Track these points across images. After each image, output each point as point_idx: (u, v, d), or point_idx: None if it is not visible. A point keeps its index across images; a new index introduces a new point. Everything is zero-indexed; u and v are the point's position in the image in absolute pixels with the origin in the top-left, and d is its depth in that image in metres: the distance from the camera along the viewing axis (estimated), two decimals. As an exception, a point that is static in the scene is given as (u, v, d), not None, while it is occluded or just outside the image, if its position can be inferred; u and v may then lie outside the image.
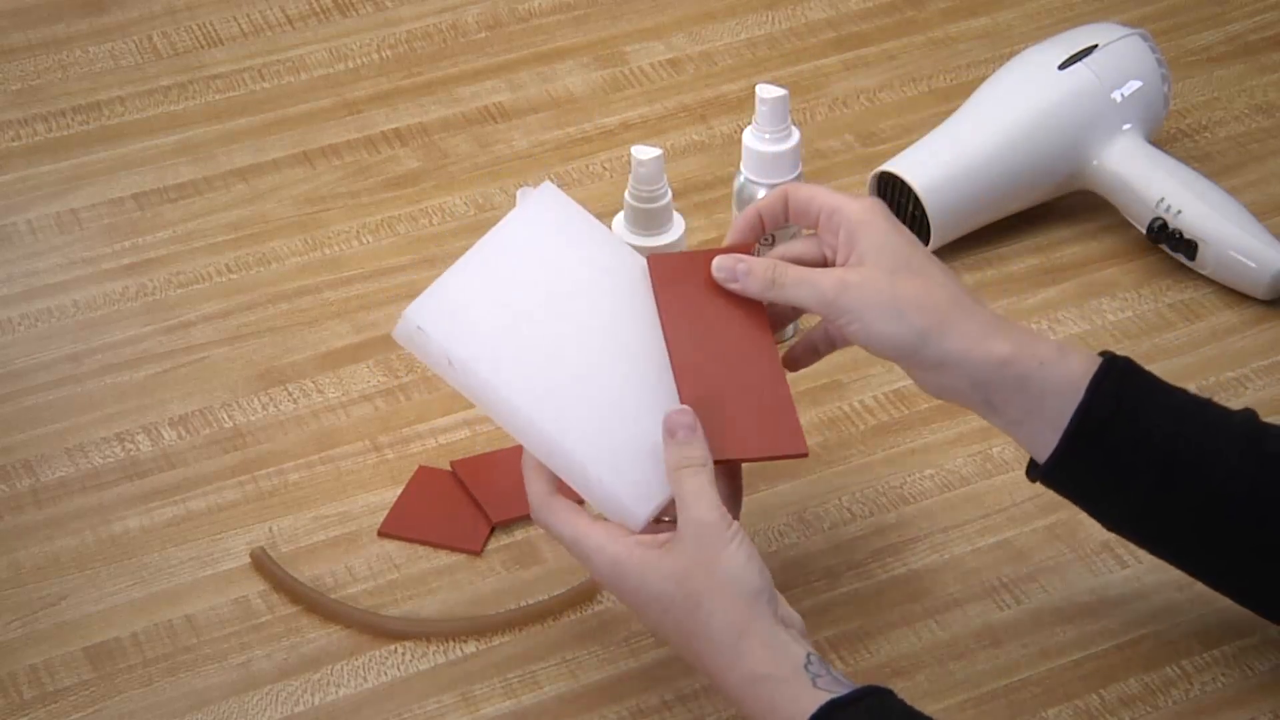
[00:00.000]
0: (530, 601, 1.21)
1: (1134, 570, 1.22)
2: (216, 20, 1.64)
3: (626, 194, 1.31)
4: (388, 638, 1.19)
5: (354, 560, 1.24)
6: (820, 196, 1.14)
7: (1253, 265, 1.39)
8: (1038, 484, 1.13)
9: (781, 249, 1.16)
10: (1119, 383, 1.10)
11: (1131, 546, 1.18)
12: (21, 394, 1.34)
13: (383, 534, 1.25)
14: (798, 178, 1.33)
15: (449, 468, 1.28)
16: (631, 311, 1.15)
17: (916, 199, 1.41)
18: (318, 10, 1.65)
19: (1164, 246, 1.42)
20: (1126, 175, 1.43)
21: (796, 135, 1.33)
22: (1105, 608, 1.21)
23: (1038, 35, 1.57)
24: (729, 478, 1.13)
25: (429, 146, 1.53)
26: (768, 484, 1.28)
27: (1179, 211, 1.40)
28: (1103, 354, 1.11)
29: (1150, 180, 1.42)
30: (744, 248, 1.16)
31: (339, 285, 1.42)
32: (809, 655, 1.04)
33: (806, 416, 1.30)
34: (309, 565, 1.23)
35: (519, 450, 1.12)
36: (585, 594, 1.21)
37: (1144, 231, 1.42)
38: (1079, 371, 1.10)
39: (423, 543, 1.25)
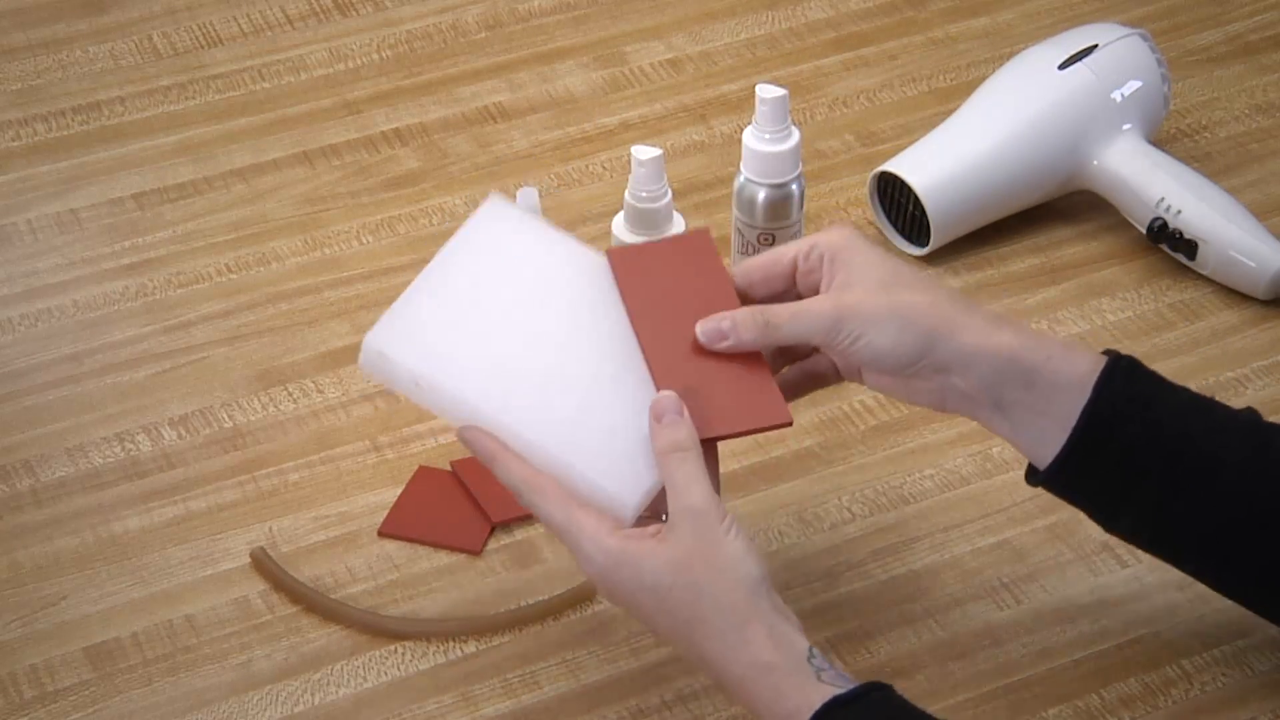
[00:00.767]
0: (530, 601, 1.21)
1: (1134, 570, 1.22)
2: (216, 20, 1.64)
3: (626, 194, 1.31)
4: (388, 638, 1.19)
5: (354, 560, 1.24)
6: (785, 248, 1.13)
7: (1253, 265, 1.39)
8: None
9: (747, 265, 1.14)
10: (1127, 381, 1.09)
11: (1132, 546, 1.18)
12: (21, 394, 1.34)
13: (383, 534, 1.25)
14: (798, 177, 1.33)
15: (449, 468, 1.28)
16: (596, 309, 1.14)
17: (916, 199, 1.41)
18: (318, 10, 1.65)
19: (1164, 246, 1.42)
20: (1126, 175, 1.43)
21: (796, 135, 1.33)
22: (1105, 608, 1.21)
23: (1038, 35, 1.57)
24: (708, 463, 1.12)
25: (429, 146, 1.53)
26: (768, 484, 1.28)
27: (1179, 211, 1.40)
28: (1106, 352, 1.11)
29: (1150, 180, 1.42)
30: (700, 235, 1.16)
31: (339, 285, 1.42)
32: (810, 649, 1.03)
33: (806, 416, 1.30)
34: (309, 565, 1.23)
35: (518, 451, 1.12)
36: (585, 594, 1.21)
37: (1144, 231, 1.42)
38: (1085, 369, 1.09)
39: (423, 543, 1.25)
